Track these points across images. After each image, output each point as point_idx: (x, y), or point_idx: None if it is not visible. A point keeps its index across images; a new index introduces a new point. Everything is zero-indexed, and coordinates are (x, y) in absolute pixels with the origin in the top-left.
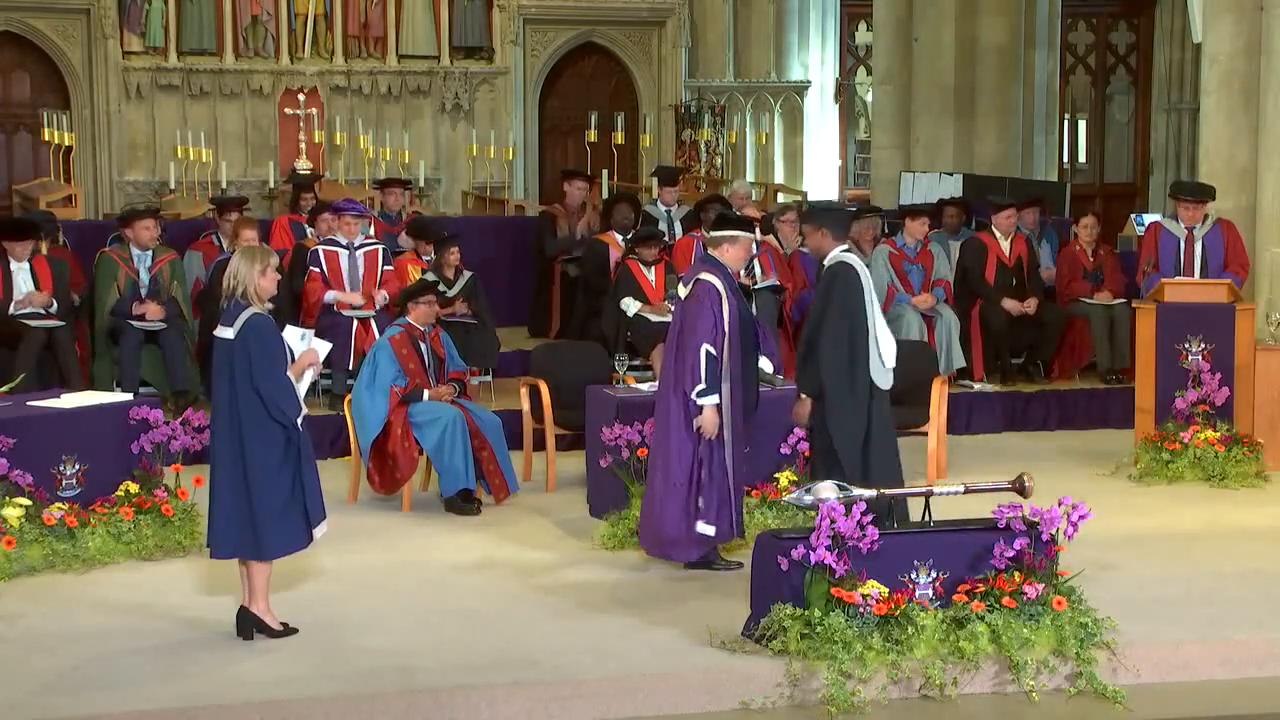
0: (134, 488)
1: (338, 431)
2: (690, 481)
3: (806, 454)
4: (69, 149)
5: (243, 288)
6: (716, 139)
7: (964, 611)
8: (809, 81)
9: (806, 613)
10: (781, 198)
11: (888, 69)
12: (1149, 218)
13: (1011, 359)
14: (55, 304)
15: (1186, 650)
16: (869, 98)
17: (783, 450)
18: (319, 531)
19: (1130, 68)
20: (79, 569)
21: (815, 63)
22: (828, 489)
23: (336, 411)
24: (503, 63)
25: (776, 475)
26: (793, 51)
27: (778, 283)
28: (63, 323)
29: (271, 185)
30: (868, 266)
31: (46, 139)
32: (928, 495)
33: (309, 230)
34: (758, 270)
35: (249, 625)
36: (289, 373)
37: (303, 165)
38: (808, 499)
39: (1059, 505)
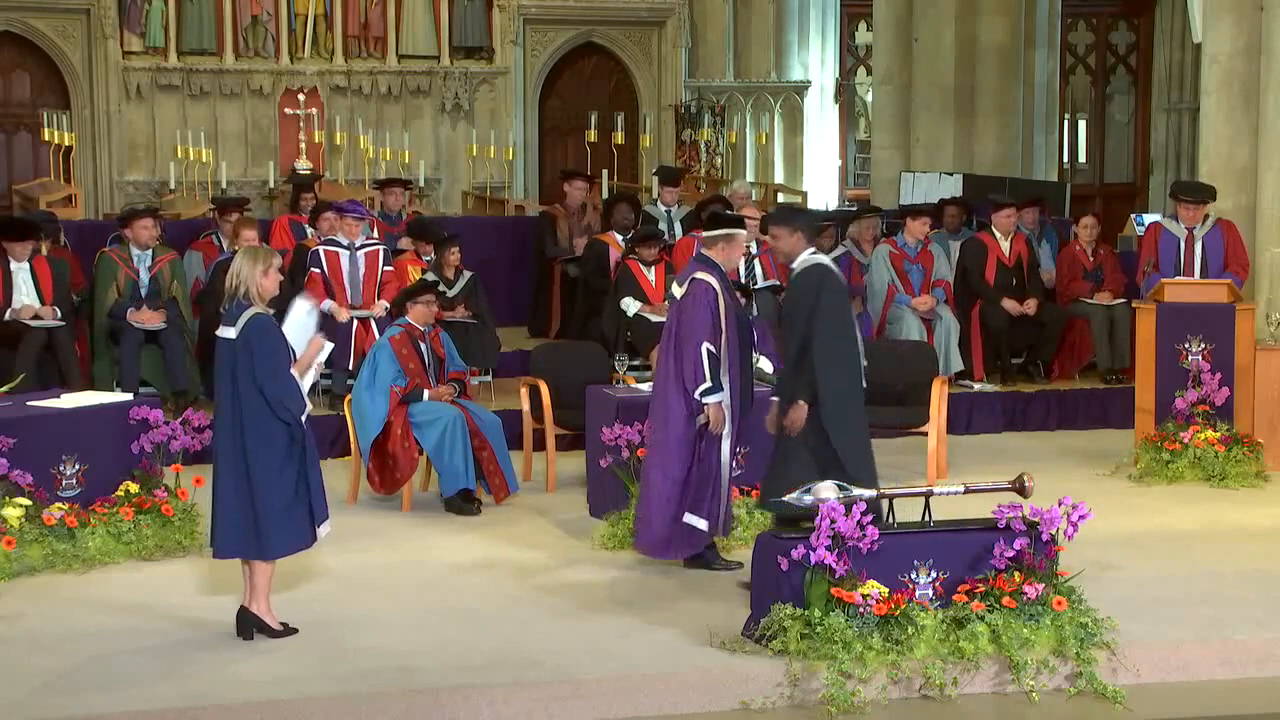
0: (134, 488)
1: (338, 431)
2: (687, 478)
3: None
4: (69, 149)
5: (244, 288)
6: (716, 139)
7: (964, 611)
8: (809, 81)
9: (806, 613)
10: (781, 198)
11: (888, 69)
12: (1149, 218)
13: (1011, 359)
14: (58, 311)
15: (1186, 650)
16: (869, 98)
17: None
18: (323, 531)
19: (1130, 68)
20: (79, 569)
21: (815, 63)
22: (828, 489)
23: (336, 411)
24: (503, 63)
25: None
26: (793, 51)
27: (778, 283)
28: (63, 323)
29: (271, 185)
30: (867, 267)
31: (46, 139)
32: (928, 495)
33: (309, 230)
34: (758, 270)
35: (249, 625)
36: (294, 369)
37: (303, 165)
38: (808, 499)
39: (1059, 505)
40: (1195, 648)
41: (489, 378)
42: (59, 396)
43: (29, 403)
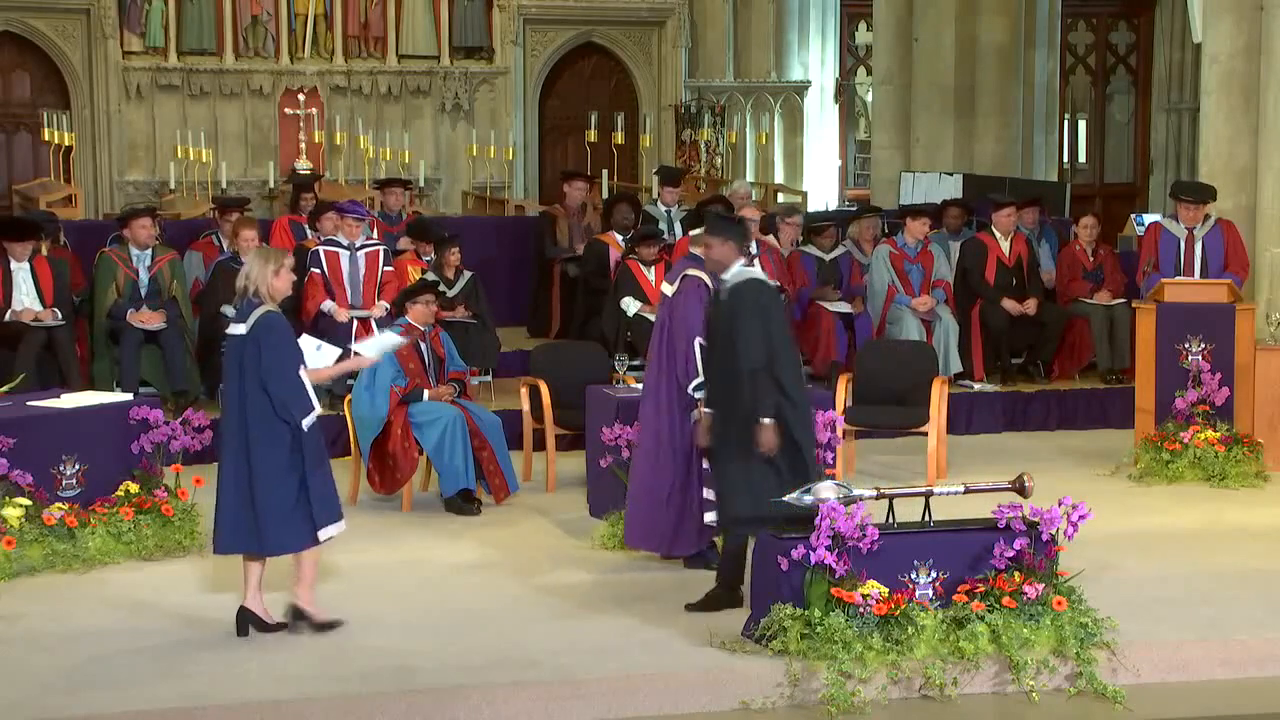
0: (134, 488)
1: (338, 431)
2: (688, 475)
3: None
4: (69, 149)
5: (254, 287)
6: (716, 139)
7: (964, 611)
8: (809, 81)
9: (806, 613)
10: (781, 198)
11: (888, 69)
12: (1149, 218)
13: (1011, 359)
14: (58, 313)
15: (1186, 650)
16: (869, 98)
17: None
18: (325, 534)
19: (1130, 68)
20: (79, 569)
21: (815, 63)
22: (827, 489)
23: (336, 411)
24: (503, 63)
25: None
26: (793, 51)
27: (777, 283)
28: (63, 323)
29: (271, 185)
30: (867, 267)
31: (46, 139)
32: (928, 495)
33: (309, 231)
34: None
35: (247, 624)
36: (301, 372)
37: (303, 165)
38: (807, 499)
39: (1059, 505)
40: (1195, 648)
41: (489, 378)
42: (59, 396)
43: (29, 403)
